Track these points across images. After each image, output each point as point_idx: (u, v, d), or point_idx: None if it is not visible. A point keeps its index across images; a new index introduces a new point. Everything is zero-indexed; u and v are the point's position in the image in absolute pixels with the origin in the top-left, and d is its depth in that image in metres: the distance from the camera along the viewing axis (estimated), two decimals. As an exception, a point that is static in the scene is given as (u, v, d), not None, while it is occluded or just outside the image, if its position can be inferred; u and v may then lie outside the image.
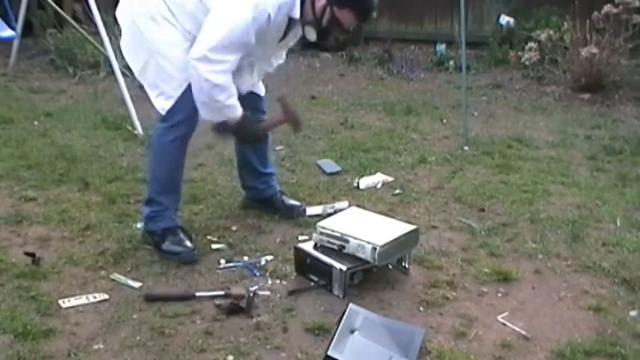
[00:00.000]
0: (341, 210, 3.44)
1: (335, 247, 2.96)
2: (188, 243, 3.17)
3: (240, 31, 2.96)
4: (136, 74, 3.22)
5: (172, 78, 3.09)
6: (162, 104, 3.13)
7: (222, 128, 3.17)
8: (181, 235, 3.19)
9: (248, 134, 3.24)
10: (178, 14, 3.08)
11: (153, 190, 3.24)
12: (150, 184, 3.28)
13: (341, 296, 2.85)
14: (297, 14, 3.06)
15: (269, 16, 2.99)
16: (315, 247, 3.02)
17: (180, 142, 3.20)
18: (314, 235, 3.05)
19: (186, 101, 3.09)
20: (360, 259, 2.90)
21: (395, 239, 2.95)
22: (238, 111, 3.10)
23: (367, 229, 2.97)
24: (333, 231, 2.98)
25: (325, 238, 2.99)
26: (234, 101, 3.08)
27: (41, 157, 4.30)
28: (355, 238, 2.91)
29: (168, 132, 3.16)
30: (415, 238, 3.09)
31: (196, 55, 2.97)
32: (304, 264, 3.00)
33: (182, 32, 3.09)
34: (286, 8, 3.04)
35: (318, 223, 3.06)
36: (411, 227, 3.08)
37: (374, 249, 2.86)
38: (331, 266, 2.88)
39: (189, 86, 3.07)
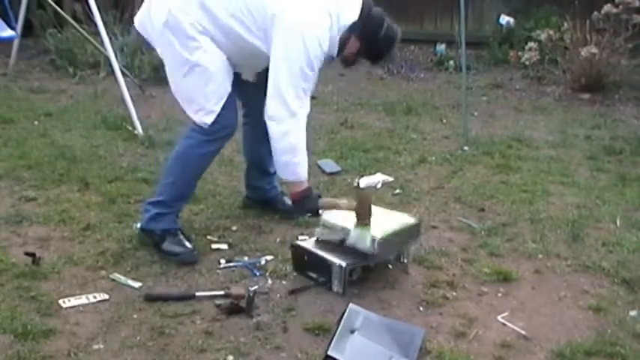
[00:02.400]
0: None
1: (336, 240, 2.97)
2: (188, 244, 3.16)
3: (312, 66, 3.02)
4: (173, 89, 3.17)
5: (213, 92, 3.07)
6: (204, 119, 3.09)
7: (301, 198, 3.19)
8: (181, 237, 3.18)
9: (309, 207, 3.21)
10: (212, 27, 3.03)
11: (169, 193, 3.20)
12: (167, 188, 3.22)
13: (340, 292, 2.85)
14: (334, 52, 3.12)
15: (323, 51, 3.04)
16: (317, 240, 3.03)
17: (213, 155, 3.24)
18: (316, 229, 3.06)
19: (227, 115, 3.10)
20: (359, 254, 2.91)
21: (395, 231, 2.96)
22: (306, 173, 3.17)
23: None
24: (334, 224, 2.99)
25: (327, 231, 3.00)
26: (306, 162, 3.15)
27: (41, 157, 4.29)
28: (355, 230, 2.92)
29: (204, 144, 3.15)
30: (417, 231, 3.10)
31: (282, 111, 3.02)
32: (302, 261, 3.00)
33: (217, 45, 3.05)
34: (331, 46, 3.08)
35: (323, 216, 3.07)
36: (413, 220, 3.11)
37: (372, 240, 2.86)
38: (330, 262, 2.88)
39: (230, 97, 3.08)
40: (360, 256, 2.92)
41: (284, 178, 3.27)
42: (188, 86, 3.11)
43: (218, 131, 3.12)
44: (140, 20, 3.22)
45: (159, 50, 3.19)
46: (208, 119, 3.08)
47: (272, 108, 3.05)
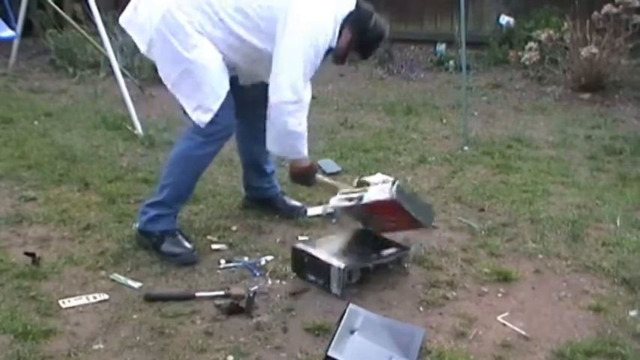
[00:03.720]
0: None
1: (354, 198, 3.10)
2: (187, 244, 3.16)
3: (318, 53, 3.04)
4: (169, 86, 3.16)
5: (211, 90, 3.07)
6: (202, 118, 3.08)
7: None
8: (180, 237, 3.18)
9: (306, 179, 3.37)
10: (210, 27, 3.04)
11: (169, 195, 3.18)
12: (167, 189, 3.18)
13: (339, 295, 2.84)
14: (334, 43, 3.11)
15: (326, 39, 3.05)
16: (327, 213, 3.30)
17: (212, 155, 3.23)
18: (331, 199, 3.21)
19: (225, 116, 3.09)
20: (358, 257, 2.93)
21: (412, 192, 3.13)
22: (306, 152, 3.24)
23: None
24: (352, 190, 3.16)
25: (344, 196, 3.15)
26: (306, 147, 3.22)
27: (41, 157, 4.30)
28: (376, 185, 3.13)
29: (203, 145, 3.14)
30: (429, 211, 3.26)
31: (282, 98, 3.03)
32: (302, 263, 3.00)
33: (215, 42, 3.05)
34: (333, 35, 3.08)
35: (339, 190, 3.22)
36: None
37: (393, 183, 3.02)
38: (329, 264, 2.88)
39: (227, 97, 3.07)
40: (359, 258, 2.93)
41: (288, 157, 3.35)
42: (186, 84, 3.10)
43: (217, 132, 3.12)
44: (128, 18, 3.20)
45: (144, 48, 3.16)
46: (206, 117, 3.07)
47: (280, 93, 3.04)
